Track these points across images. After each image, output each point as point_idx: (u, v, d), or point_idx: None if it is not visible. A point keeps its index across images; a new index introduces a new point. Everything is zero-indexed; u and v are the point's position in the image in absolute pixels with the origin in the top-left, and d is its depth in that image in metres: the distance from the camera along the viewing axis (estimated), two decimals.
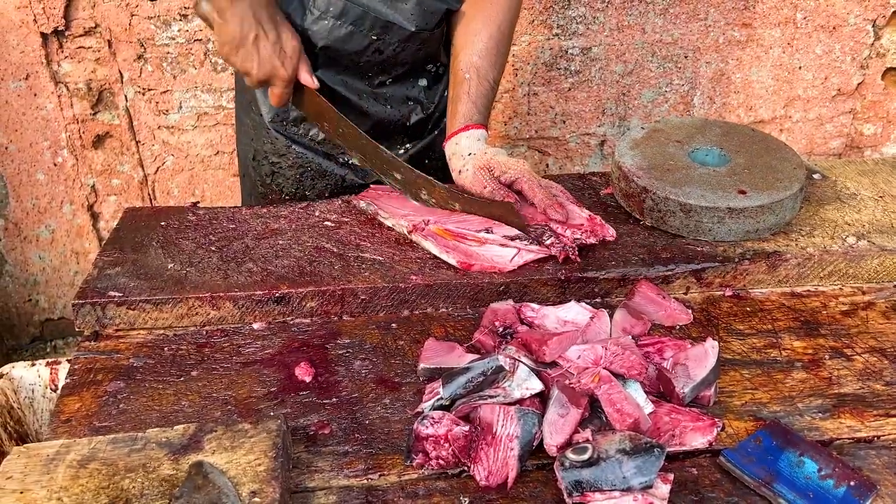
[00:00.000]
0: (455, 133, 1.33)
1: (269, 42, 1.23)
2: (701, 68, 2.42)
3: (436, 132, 1.51)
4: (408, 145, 1.50)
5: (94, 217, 2.40)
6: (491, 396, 0.93)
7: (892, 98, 2.55)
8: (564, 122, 2.46)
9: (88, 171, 2.32)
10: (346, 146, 1.34)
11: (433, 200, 1.26)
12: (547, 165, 2.55)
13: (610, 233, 1.17)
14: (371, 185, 1.36)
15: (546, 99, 2.41)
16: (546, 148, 2.51)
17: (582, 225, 1.17)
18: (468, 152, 1.31)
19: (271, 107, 1.42)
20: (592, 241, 1.16)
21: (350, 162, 1.48)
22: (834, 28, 2.40)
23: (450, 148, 1.34)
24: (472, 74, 1.35)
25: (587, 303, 1.12)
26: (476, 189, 1.27)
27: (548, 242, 1.16)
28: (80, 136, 2.27)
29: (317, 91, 1.31)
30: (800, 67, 2.46)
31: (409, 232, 1.20)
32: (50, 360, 1.27)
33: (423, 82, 1.46)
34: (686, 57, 2.40)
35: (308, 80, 1.29)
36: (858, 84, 2.51)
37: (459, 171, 1.31)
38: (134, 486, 0.82)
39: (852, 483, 0.85)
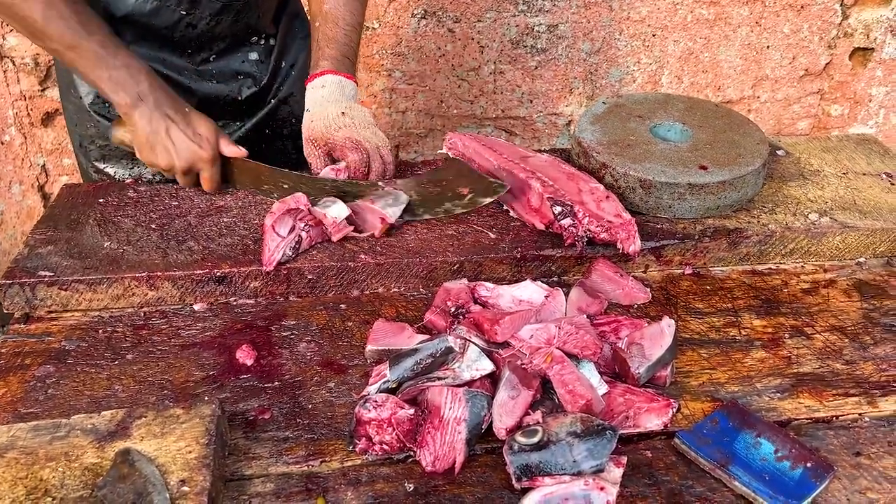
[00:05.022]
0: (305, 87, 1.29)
1: (180, 129, 1.16)
2: (669, 47, 2.39)
3: (273, 101, 1.44)
4: (245, 119, 1.42)
5: (46, 198, 2.32)
6: (440, 378, 0.89)
7: (860, 79, 2.53)
8: (531, 101, 2.42)
9: (38, 150, 2.24)
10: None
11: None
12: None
13: (632, 247, 1.08)
14: None
15: (512, 77, 2.36)
16: (513, 128, 2.47)
17: (610, 223, 1.08)
18: (307, 108, 1.26)
19: (90, 87, 1.32)
20: (605, 237, 1.08)
21: None
22: (802, 7, 2.37)
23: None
24: (321, 21, 1.29)
25: (543, 281, 1.08)
26: (311, 167, 1.24)
27: (565, 223, 1.09)
28: (29, 114, 2.18)
29: (245, 157, 1.23)
30: (768, 47, 2.43)
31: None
32: None
33: (254, 55, 1.39)
34: (654, 35, 2.36)
35: (233, 150, 1.21)
36: (826, 64, 2.49)
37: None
38: (54, 476, 0.77)
39: (809, 464, 0.83)
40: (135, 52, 1.19)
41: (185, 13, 1.25)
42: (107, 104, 1.34)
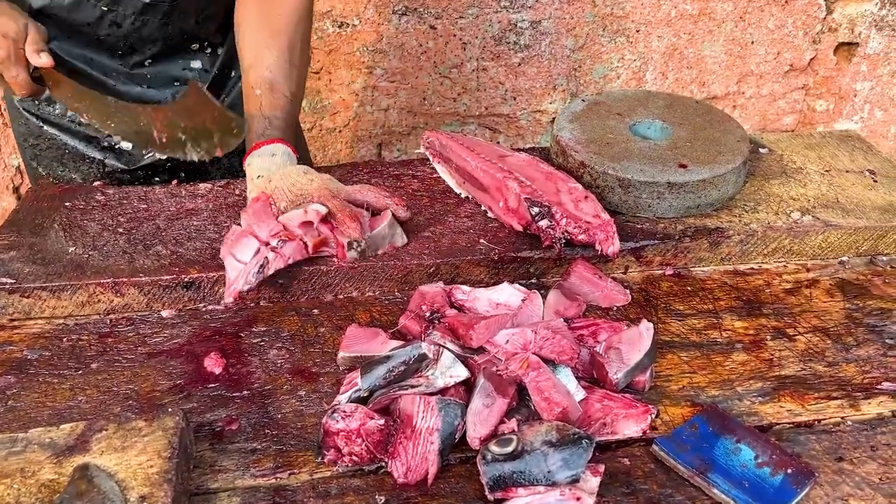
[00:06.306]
0: (247, 155, 1.18)
1: None
2: (653, 43, 2.37)
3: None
4: None
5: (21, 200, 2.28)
6: (413, 386, 0.87)
7: (844, 73, 2.52)
8: (515, 98, 2.39)
9: (12, 150, 2.19)
10: (103, 124, 1.20)
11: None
12: (498, 143, 2.48)
13: (610, 249, 1.06)
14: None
15: (495, 74, 2.33)
16: (496, 125, 2.44)
17: (589, 223, 1.06)
18: (257, 174, 1.14)
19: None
20: (583, 238, 1.06)
21: (115, 146, 1.34)
22: (786, 2, 2.36)
23: (247, 173, 1.18)
24: (263, 89, 1.22)
25: (521, 284, 1.06)
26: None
27: (543, 224, 1.06)
28: (2, 114, 2.13)
29: (55, 70, 1.16)
30: (752, 42, 2.42)
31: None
32: None
33: (198, 64, 1.34)
34: (638, 31, 2.34)
35: (36, 58, 1.13)
36: (811, 59, 2.48)
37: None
38: (9, 494, 0.74)
39: (790, 471, 0.81)
40: (57, 48, 1.15)
41: (106, 9, 1.21)
42: (37, 101, 1.31)
